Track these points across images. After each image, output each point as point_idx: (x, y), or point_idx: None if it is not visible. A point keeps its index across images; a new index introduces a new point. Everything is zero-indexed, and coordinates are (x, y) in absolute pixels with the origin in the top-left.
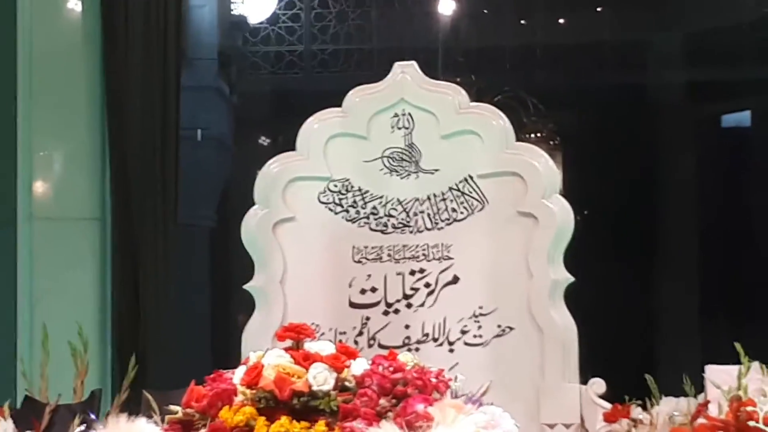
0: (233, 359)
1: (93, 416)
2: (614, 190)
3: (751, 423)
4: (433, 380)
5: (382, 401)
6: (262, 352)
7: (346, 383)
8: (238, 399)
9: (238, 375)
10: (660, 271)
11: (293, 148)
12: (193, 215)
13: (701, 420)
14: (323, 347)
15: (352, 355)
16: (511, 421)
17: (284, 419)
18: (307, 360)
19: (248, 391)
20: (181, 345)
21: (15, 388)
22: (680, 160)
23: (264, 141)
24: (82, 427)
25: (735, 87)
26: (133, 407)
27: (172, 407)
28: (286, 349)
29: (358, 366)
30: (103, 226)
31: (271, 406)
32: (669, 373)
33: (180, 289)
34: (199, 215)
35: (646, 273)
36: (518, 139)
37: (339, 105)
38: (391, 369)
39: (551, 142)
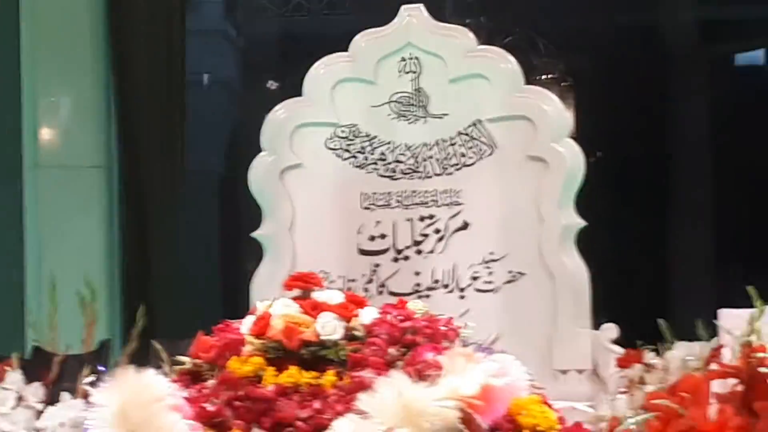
0: (242, 308)
1: (102, 367)
2: (626, 132)
3: (763, 369)
4: (443, 329)
5: (392, 350)
6: (270, 301)
7: (355, 332)
8: (246, 349)
9: (245, 325)
10: (673, 214)
11: (301, 92)
12: (200, 161)
13: (714, 365)
14: (331, 296)
15: (361, 303)
16: (521, 368)
17: (293, 369)
18: (315, 309)
19: (256, 341)
20: (190, 294)
21: (24, 339)
22: (693, 101)
23: (271, 85)
24: (92, 378)
25: (747, 25)
26: (143, 357)
27: (181, 358)
28: (294, 299)
29: (367, 315)
30: (109, 174)
31: (280, 356)
32: (682, 317)
33: (188, 237)
34: (207, 161)
35: (659, 216)
36: (528, 82)
37: (347, 48)
38: (400, 318)
39: (562, 84)
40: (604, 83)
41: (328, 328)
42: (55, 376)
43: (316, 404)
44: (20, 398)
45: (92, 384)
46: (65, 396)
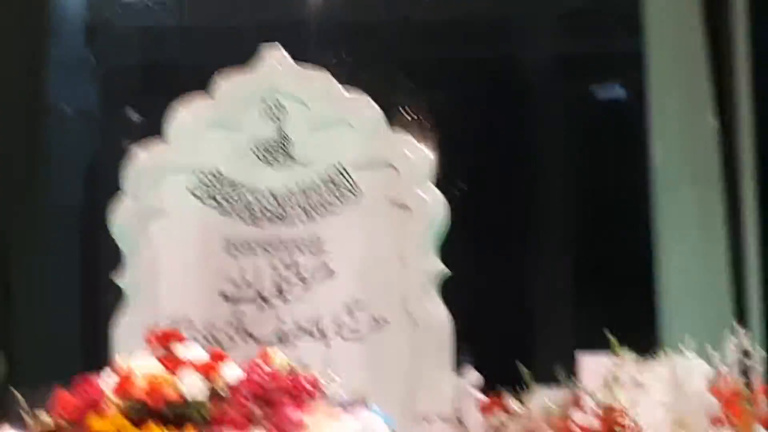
0: (104, 354)
1: None
2: (487, 172)
3: None
4: (307, 385)
5: (255, 409)
6: (132, 358)
7: (219, 391)
8: (110, 407)
9: (106, 381)
10: (534, 257)
11: (162, 125)
12: (61, 196)
13: (575, 411)
14: (195, 353)
15: (224, 359)
16: (383, 426)
17: (155, 428)
18: (178, 367)
19: (119, 401)
20: (50, 339)
21: None
22: (553, 138)
23: (132, 116)
24: None
25: (606, 61)
26: (3, 405)
27: (41, 416)
28: (158, 357)
29: (231, 372)
30: None
31: (142, 414)
32: (544, 361)
33: (50, 279)
34: (68, 195)
35: (520, 260)
36: (390, 120)
37: (209, 80)
38: (264, 376)
39: (423, 122)
40: (467, 120)
41: (192, 387)
42: None
43: None
44: None
45: None
46: None
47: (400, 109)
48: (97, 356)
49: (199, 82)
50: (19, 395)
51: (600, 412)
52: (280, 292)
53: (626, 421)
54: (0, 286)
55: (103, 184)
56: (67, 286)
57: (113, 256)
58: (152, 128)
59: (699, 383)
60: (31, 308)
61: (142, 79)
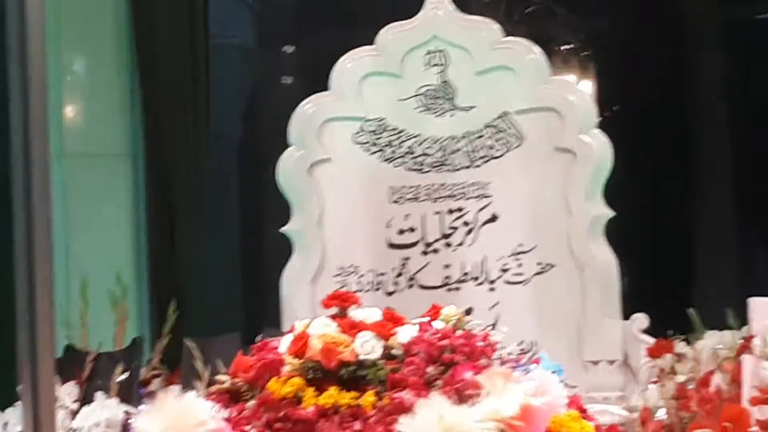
0: (272, 304)
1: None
2: (647, 104)
3: None
4: (480, 344)
5: (430, 369)
6: (308, 320)
7: (393, 351)
8: (286, 369)
9: (284, 344)
10: (701, 199)
11: (318, 58)
12: (224, 138)
13: (746, 354)
14: (369, 314)
15: (399, 321)
16: (560, 386)
17: (333, 390)
18: (353, 328)
19: (295, 362)
20: (219, 287)
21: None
22: (716, 68)
23: (288, 49)
24: (125, 375)
25: None
26: (174, 354)
27: (220, 377)
28: (332, 317)
29: (405, 333)
30: (135, 162)
31: (319, 376)
32: (712, 306)
33: (215, 226)
34: (231, 129)
35: (686, 202)
36: (549, 52)
37: (362, 13)
38: (438, 336)
39: (582, 53)
40: (626, 50)
41: (367, 347)
42: (89, 374)
43: (357, 426)
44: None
45: (126, 382)
46: (99, 395)
47: (562, 46)
48: (266, 306)
49: (357, 19)
50: (193, 346)
51: None
52: (445, 237)
53: None
54: (166, 234)
55: (264, 112)
56: (233, 234)
57: (279, 204)
58: (309, 66)
59: None
60: (199, 257)
61: (299, 17)
